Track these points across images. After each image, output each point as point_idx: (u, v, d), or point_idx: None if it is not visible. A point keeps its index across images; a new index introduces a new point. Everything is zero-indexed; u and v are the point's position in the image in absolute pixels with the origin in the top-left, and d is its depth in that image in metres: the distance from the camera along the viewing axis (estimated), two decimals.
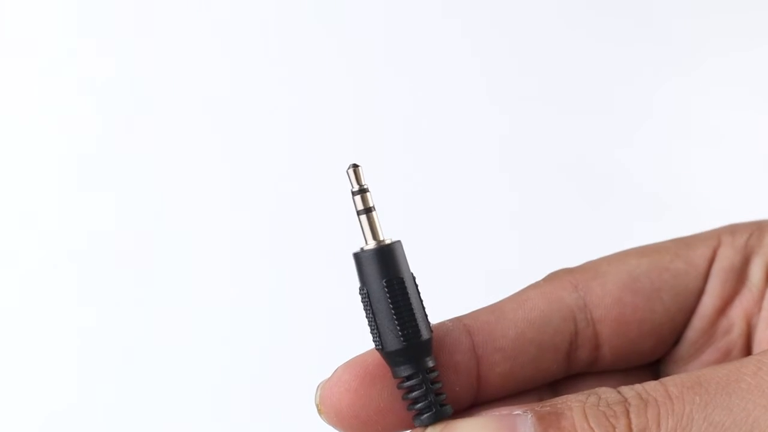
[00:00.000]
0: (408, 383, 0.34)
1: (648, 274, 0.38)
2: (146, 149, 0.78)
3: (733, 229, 0.40)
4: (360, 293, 0.34)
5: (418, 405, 0.34)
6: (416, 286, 0.34)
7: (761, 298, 0.39)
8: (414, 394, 0.34)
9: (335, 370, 0.36)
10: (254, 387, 0.77)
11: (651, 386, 0.32)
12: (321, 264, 0.77)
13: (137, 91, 0.79)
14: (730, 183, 0.81)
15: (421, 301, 0.34)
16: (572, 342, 0.37)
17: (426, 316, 0.34)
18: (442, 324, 0.36)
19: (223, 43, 0.80)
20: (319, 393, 0.36)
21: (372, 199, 0.34)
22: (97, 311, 0.77)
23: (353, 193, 0.34)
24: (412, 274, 0.34)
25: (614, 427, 0.31)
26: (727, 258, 0.39)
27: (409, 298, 0.33)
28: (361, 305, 0.35)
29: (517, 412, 0.32)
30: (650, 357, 0.39)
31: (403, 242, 0.34)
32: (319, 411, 0.36)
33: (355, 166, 0.34)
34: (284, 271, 0.79)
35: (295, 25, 0.80)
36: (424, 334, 0.33)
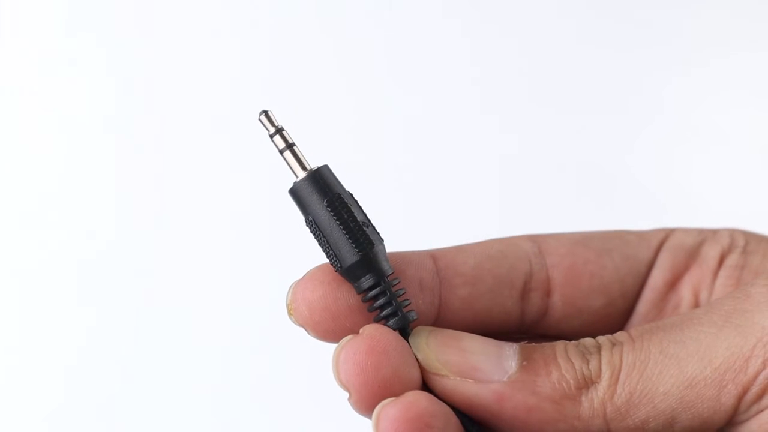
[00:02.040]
0: (371, 293, 0.35)
1: (600, 237, 0.41)
2: (146, 149, 0.79)
3: (686, 228, 0.43)
4: (307, 225, 0.35)
5: (384, 312, 0.35)
6: (356, 201, 0.35)
7: (713, 273, 0.41)
8: (378, 302, 0.35)
9: (307, 271, 0.37)
10: (253, 388, 0.78)
11: (619, 333, 0.35)
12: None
13: (136, 91, 0.80)
14: (733, 184, 0.81)
15: (365, 215, 0.35)
16: (527, 282, 0.40)
17: (374, 227, 0.35)
18: (408, 251, 0.38)
19: (221, 43, 0.81)
20: (290, 291, 0.36)
21: (290, 136, 0.35)
22: (97, 312, 0.78)
23: (271, 136, 0.35)
24: (348, 191, 0.35)
25: (588, 361, 0.34)
26: (678, 238, 0.42)
27: (352, 212, 0.35)
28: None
29: (504, 342, 0.35)
30: (601, 320, 0.41)
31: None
32: (289, 311, 0.36)
33: (265, 112, 0.35)
34: (283, 272, 0.79)
35: (292, 24, 0.81)
36: (376, 242, 0.35)
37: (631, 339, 0.34)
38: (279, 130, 0.35)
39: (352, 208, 0.35)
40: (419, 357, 0.34)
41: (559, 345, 0.35)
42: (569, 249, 0.40)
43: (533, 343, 0.35)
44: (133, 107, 0.80)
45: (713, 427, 0.34)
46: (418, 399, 0.33)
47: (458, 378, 0.34)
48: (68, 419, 0.77)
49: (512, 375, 0.34)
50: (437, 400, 0.34)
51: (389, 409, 0.33)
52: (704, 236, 0.42)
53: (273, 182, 0.79)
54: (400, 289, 0.36)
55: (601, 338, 0.35)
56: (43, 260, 0.78)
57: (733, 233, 0.42)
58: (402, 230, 0.76)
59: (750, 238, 0.41)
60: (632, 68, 0.82)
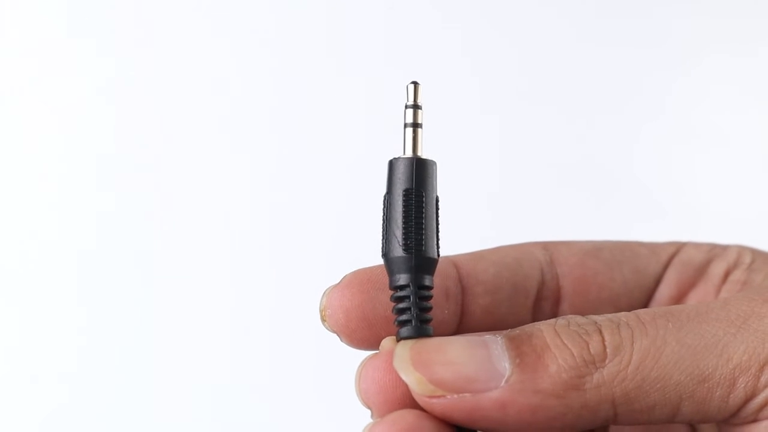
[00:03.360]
0: (399, 294, 0.34)
1: (611, 249, 0.41)
2: (146, 150, 0.79)
3: (698, 242, 0.42)
4: (384, 199, 0.35)
5: (402, 317, 0.34)
6: (437, 208, 0.35)
7: (716, 290, 0.41)
8: (401, 305, 0.34)
9: (343, 277, 0.36)
10: (255, 388, 0.78)
11: (621, 314, 0.34)
12: (321, 266, 0.78)
13: (136, 92, 0.80)
14: (733, 185, 0.81)
15: (437, 223, 0.35)
16: (539, 291, 0.40)
17: (437, 238, 0.35)
18: None
19: (221, 43, 0.81)
20: (325, 297, 0.36)
21: (422, 117, 0.35)
22: (98, 312, 0.78)
23: (406, 107, 0.35)
24: (437, 196, 0.35)
25: (588, 344, 0.32)
26: (688, 254, 0.42)
27: (427, 213, 0.34)
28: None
29: (487, 336, 0.33)
30: None
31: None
32: (323, 317, 0.36)
33: (415, 83, 0.35)
34: (284, 273, 0.79)
35: (294, 24, 0.81)
36: (429, 252, 0.34)
37: (640, 322, 0.33)
38: (416, 106, 0.35)
39: (429, 210, 0.34)
40: (409, 382, 0.33)
41: (548, 330, 0.33)
42: (580, 259, 0.40)
43: (517, 330, 0.33)
44: (133, 105, 0.79)
45: (712, 422, 0.34)
46: (403, 416, 0.33)
47: (456, 395, 0.32)
48: (68, 419, 0.76)
49: (509, 378, 0.32)
50: (425, 415, 0.33)
51: (374, 429, 0.33)
52: (714, 253, 0.41)
53: (273, 183, 0.80)
54: (428, 303, 0.34)
55: (595, 317, 0.34)
56: (42, 259, 0.78)
57: (741, 250, 0.41)
58: None
59: (757, 256, 0.41)
60: (633, 68, 0.82)
